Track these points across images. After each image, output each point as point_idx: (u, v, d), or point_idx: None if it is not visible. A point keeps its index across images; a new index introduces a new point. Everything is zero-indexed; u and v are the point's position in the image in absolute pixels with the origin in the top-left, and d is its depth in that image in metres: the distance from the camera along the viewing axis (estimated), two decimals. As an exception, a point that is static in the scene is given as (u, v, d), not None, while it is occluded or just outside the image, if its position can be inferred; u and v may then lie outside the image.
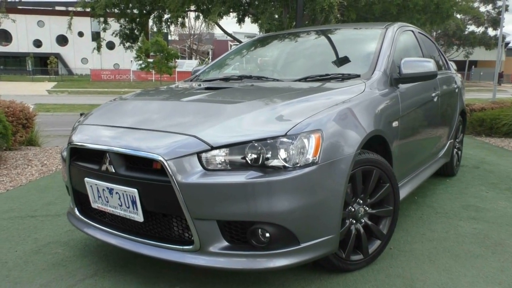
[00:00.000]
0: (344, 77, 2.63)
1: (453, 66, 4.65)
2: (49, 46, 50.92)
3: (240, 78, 2.97)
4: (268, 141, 1.83)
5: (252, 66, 3.52)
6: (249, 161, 1.82)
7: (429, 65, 2.71)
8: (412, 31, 3.55)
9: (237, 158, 1.83)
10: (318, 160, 1.87)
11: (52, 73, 44.50)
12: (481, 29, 43.52)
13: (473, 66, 48.52)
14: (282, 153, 1.83)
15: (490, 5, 40.87)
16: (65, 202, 3.49)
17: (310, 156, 1.85)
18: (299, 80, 2.70)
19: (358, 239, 2.26)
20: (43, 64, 47.75)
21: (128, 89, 27.78)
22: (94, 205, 2.13)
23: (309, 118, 1.95)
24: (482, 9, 38.26)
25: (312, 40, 3.41)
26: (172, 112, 2.20)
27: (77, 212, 2.33)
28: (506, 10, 24.69)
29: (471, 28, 43.23)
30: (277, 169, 1.81)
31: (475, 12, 13.84)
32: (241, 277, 2.20)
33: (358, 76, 2.61)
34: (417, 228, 2.90)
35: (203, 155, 1.83)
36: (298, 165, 1.83)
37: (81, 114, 7.18)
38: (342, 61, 2.94)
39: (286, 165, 1.82)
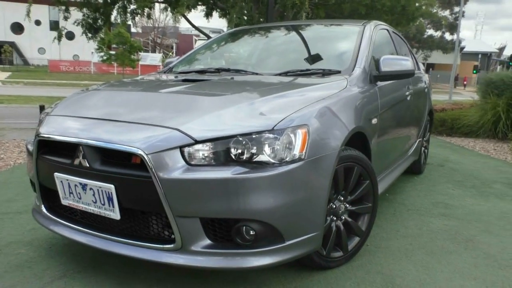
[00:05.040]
0: (325, 73, 2.61)
1: (421, 66, 4.77)
2: (3, 34, 48.14)
3: (218, 71, 2.89)
4: (253, 136, 1.77)
5: (229, 59, 3.44)
6: (234, 156, 1.75)
7: (408, 64, 2.73)
8: (387, 29, 3.59)
9: (222, 153, 1.76)
10: (305, 156, 1.82)
11: (6, 62, 42.21)
12: (438, 34, 45.28)
13: (430, 69, 50.43)
14: (269, 148, 1.77)
15: (448, 10, 42.57)
16: (27, 199, 3.27)
17: (297, 152, 1.81)
18: (279, 74, 2.66)
19: (338, 236, 2.24)
20: (-4, 53, 45.23)
21: (89, 82, 26.80)
22: (65, 202, 1.98)
23: (295, 113, 1.90)
24: (440, 14, 39.71)
25: (291, 34, 3.37)
26: (150, 104, 2.09)
27: (44, 209, 2.18)
28: (463, 16, 25.78)
29: (430, 32, 44.88)
30: (263, 165, 1.75)
31: (439, 16, 14.34)
32: (220, 276, 2.13)
33: (339, 72, 2.60)
34: (391, 225, 2.93)
35: (186, 149, 1.74)
36: (285, 160, 1.78)
37: (40, 106, 6.77)
38: (322, 56, 2.91)
39: (272, 160, 1.77)
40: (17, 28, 47.99)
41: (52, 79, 28.50)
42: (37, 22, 46.92)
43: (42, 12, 44.12)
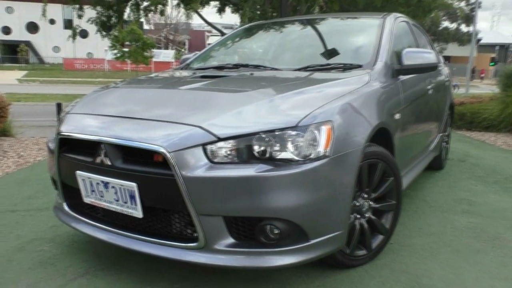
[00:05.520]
0: (346, 67, 2.55)
1: (441, 59, 4.66)
2: (19, 34, 48.87)
3: (236, 66, 2.85)
4: (276, 133, 1.73)
5: (247, 54, 3.40)
6: (257, 154, 1.72)
7: (431, 57, 2.66)
8: (407, 22, 3.50)
9: (245, 150, 1.73)
10: (330, 153, 1.78)
11: (23, 61, 42.82)
12: (454, 25, 44.45)
13: (446, 62, 49.65)
14: (292, 146, 1.74)
15: (464, 1, 41.70)
16: (47, 196, 3.30)
17: (321, 149, 1.77)
18: (299, 69, 2.61)
19: (361, 234, 2.20)
20: (12, 52, 45.85)
21: (103, 79, 27.07)
22: (87, 200, 1.98)
23: (319, 109, 1.86)
24: (455, 5, 38.91)
25: (309, 29, 3.31)
26: (171, 100, 2.07)
27: (66, 207, 2.18)
28: (479, 7, 25.19)
29: (445, 24, 44.07)
30: (287, 162, 1.72)
31: (455, 8, 14.06)
32: (243, 274, 2.11)
33: (360, 66, 2.54)
34: (414, 222, 2.87)
35: (209, 146, 1.72)
36: (309, 158, 1.74)
37: (57, 104, 6.83)
38: (342, 51, 2.86)
39: (296, 158, 1.73)
40: (32, 27, 48.64)
41: (67, 77, 28.86)
42: (52, 21, 47.43)
43: (56, 11, 44.63)
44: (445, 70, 4.44)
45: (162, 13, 12.55)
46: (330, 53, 2.88)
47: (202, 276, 2.08)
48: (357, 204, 2.14)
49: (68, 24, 43.82)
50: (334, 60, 2.73)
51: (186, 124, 1.77)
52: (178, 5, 11.60)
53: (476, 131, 7.28)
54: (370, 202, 2.22)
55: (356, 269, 2.18)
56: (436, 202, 3.32)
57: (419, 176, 3.96)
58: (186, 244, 1.77)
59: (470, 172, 4.34)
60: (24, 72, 32.23)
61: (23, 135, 6.21)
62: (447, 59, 49.73)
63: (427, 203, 3.31)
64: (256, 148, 1.72)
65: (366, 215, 2.21)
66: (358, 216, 2.16)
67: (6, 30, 48.86)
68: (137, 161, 1.81)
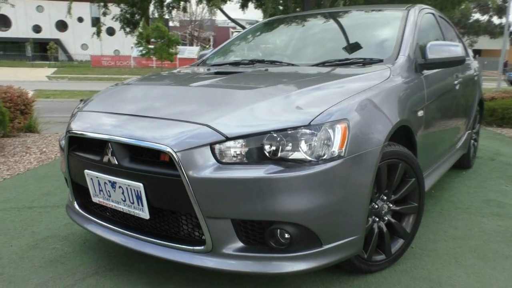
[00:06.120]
0: (366, 62, 2.42)
1: (470, 52, 4.44)
2: (49, 32, 50.29)
3: (252, 62, 2.77)
4: (289, 132, 1.64)
5: (263, 50, 3.31)
6: (267, 154, 1.63)
7: (457, 50, 2.50)
8: (433, 14, 3.33)
9: (255, 150, 1.64)
10: (345, 153, 1.68)
11: (52, 59, 44.04)
12: (485, 17, 42.87)
13: (477, 55, 47.99)
14: (305, 145, 1.64)
15: (496, -8, 40.10)
16: (64, 193, 3.31)
17: (336, 149, 1.66)
18: (317, 65, 2.50)
19: (380, 238, 2.08)
20: (42, 50, 47.20)
21: (129, 76, 27.46)
22: (95, 199, 1.95)
23: (334, 106, 1.75)
24: (487, -4, 37.49)
25: (328, 22, 3.19)
26: (180, 98, 2.01)
27: (76, 206, 2.16)
28: (513, -2, 24.12)
29: (476, 16, 42.58)
30: (299, 163, 1.62)
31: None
32: (254, 278, 2.03)
33: (381, 61, 2.41)
34: (438, 225, 2.72)
35: (217, 146, 1.64)
36: (323, 158, 1.64)
37: (81, 100, 6.97)
38: (362, 45, 2.73)
39: (309, 158, 1.64)
40: (61, 25, 49.94)
41: (94, 74, 29.46)
42: (80, 19, 48.60)
43: (84, 9, 45.68)
44: (474, 64, 4.22)
45: (185, 9, 12.53)
46: (350, 47, 2.75)
47: (212, 279, 2.01)
48: (376, 206, 2.03)
49: (95, 22, 44.67)
50: (354, 55, 2.61)
51: (194, 123, 1.70)
52: (200, 1, 11.57)
53: (508, 128, 6.95)
54: (390, 205, 2.10)
55: (374, 275, 2.07)
56: (463, 203, 3.15)
57: (445, 176, 3.78)
58: (193, 247, 1.71)
59: (501, 171, 4.11)
60: (53, 69, 33.09)
61: (47, 131, 6.32)
62: (478, 52, 48.16)
63: (453, 204, 3.14)
64: (266, 148, 1.64)
65: (386, 218, 2.09)
66: (377, 219, 2.05)
67: (37, 29, 50.35)
68: (144, 161, 1.76)
